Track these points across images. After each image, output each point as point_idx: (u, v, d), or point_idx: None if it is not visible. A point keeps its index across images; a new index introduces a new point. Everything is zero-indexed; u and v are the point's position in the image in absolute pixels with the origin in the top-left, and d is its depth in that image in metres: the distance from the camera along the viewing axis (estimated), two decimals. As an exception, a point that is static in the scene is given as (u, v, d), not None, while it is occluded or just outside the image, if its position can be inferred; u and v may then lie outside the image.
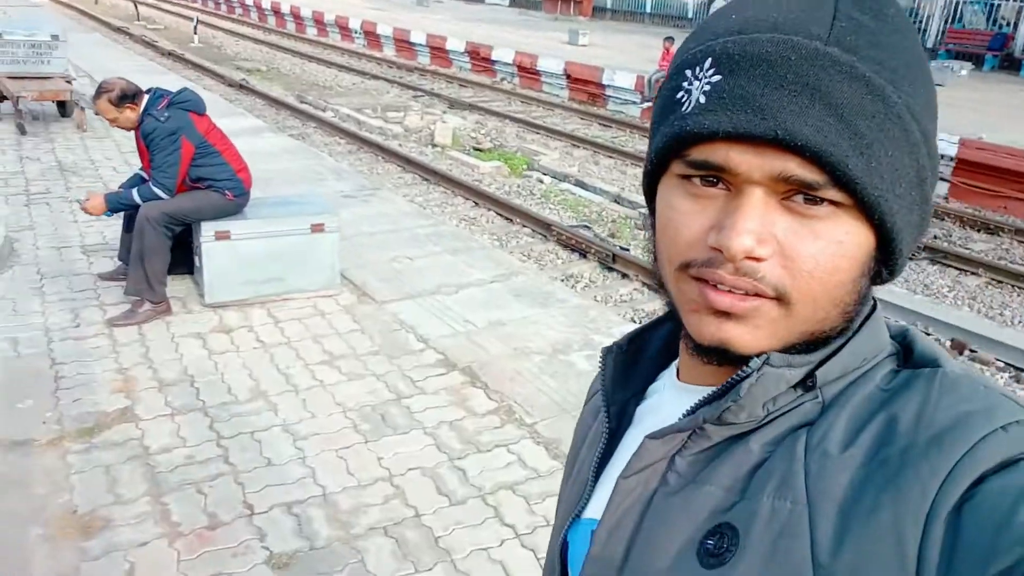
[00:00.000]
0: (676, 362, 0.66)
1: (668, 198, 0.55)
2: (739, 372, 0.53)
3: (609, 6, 27.59)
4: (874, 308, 0.57)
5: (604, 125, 11.99)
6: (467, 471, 2.99)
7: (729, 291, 0.51)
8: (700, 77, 0.52)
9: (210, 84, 13.00)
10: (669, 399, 0.64)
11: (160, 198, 3.97)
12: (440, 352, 3.88)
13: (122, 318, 3.98)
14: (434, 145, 10.03)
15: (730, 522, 0.51)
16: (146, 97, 4.03)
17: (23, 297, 4.18)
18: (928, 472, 0.45)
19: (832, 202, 0.49)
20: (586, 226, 6.93)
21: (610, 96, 13.34)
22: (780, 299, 0.51)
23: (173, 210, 4.01)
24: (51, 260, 4.69)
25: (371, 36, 19.83)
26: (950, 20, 18.48)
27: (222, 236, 4.14)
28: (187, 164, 3.99)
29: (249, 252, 4.21)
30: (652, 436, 0.58)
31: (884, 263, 0.54)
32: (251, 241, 4.21)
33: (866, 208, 0.49)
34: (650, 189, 0.59)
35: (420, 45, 18.05)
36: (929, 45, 17.88)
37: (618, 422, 0.67)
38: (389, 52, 18.94)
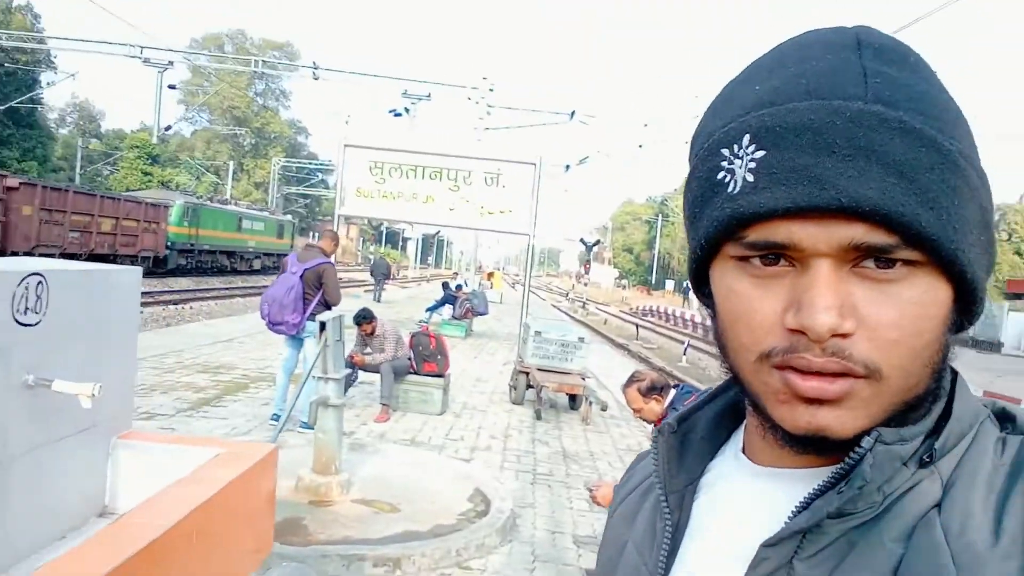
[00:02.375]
0: (734, 446, 0.61)
1: (728, 284, 0.52)
2: (852, 454, 0.48)
3: None
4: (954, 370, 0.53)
5: None
6: None
7: (816, 374, 0.47)
8: (741, 155, 0.49)
9: (708, 386, 13.33)
10: (745, 486, 0.57)
11: (672, 501, 3.61)
12: None
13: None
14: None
15: None
16: (673, 392, 3.88)
17: (516, 576, 4.06)
18: None
19: (905, 262, 0.47)
20: None
21: None
22: (871, 375, 0.47)
23: (683, 517, 3.58)
24: (545, 543, 4.60)
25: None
26: None
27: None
28: (706, 468, 3.61)
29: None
30: (768, 544, 0.50)
31: (963, 312, 0.51)
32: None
33: (943, 262, 0.47)
34: (698, 277, 0.56)
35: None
36: None
37: (679, 511, 0.60)
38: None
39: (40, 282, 1.78)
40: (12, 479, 1.74)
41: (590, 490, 4.05)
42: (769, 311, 0.49)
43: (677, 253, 66.66)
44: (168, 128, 32.58)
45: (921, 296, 0.47)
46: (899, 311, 0.47)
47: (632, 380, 3.92)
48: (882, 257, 0.47)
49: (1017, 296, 35.08)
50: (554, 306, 39.36)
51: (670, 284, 63.03)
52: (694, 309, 41.58)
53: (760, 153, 0.48)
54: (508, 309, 25.45)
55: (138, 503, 1.85)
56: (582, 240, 42.19)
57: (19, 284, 1.70)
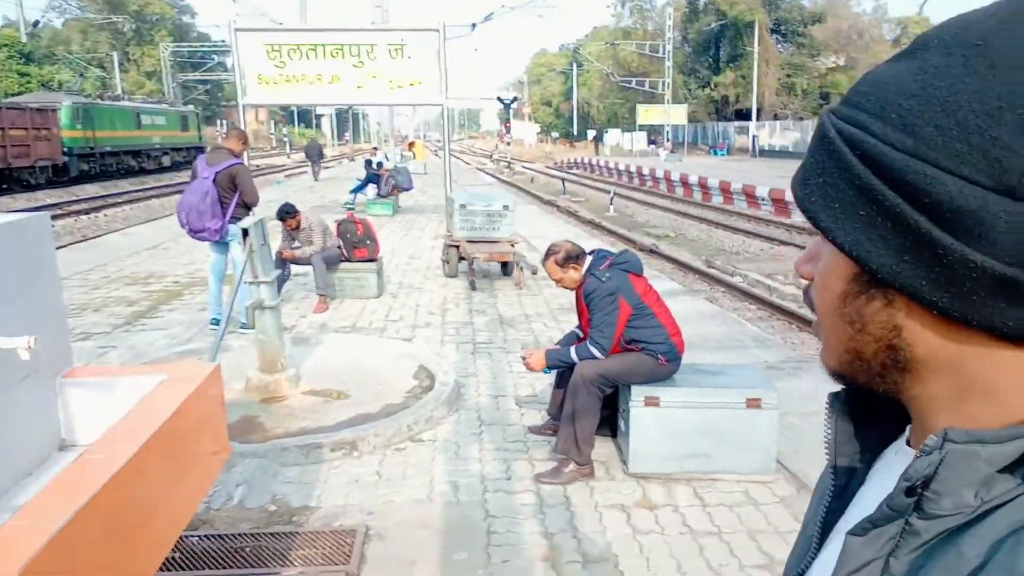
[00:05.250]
0: None
1: None
2: (923, 446, 0.46)
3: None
4: None
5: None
6: None
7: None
8: None
9: (623, 248, 13.78)
10: (896, 462, 0.56)
11: (595, 357, 3.92)
12: None
13: (548, 475, 3.92)
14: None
15: None
16: (589, 258, 4.11)
17: (465, 442, 4.41)
18: None
19: None
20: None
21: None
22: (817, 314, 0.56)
23: (606, 371, 3.92)
24: (489, 408, 4.95)
25: (778, 203, 19.57)
26: None
27: (651, 402, 3.92)
28: (623, 325, 3.91)
29: (678, 422, 3.90)
30: (854, 532, 0.50)
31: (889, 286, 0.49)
32: (681, 410, 3.90)
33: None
34: None
35: (833, 210, 17.19)
36: None
37: (849, 477, 0.61)
38: (798, 218, 18.40)
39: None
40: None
41: (523, 357, 4.36)
42: None
43: (595, 102, 65.92)
44: (37, 23, 29.65)
45: (827, 260, 0.54)
46: (820, 269, 0.55)
47: (549, 254, 4.14)
48: None
49: None
50: (479, 169, 39.04)
51: (591, 134, 62.81)
52: (608, 156, 41.71)
53: None
54: (432, 180, 25.19)
55: (93, 436, 2.00)
56: (499, 98, 41.30)
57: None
